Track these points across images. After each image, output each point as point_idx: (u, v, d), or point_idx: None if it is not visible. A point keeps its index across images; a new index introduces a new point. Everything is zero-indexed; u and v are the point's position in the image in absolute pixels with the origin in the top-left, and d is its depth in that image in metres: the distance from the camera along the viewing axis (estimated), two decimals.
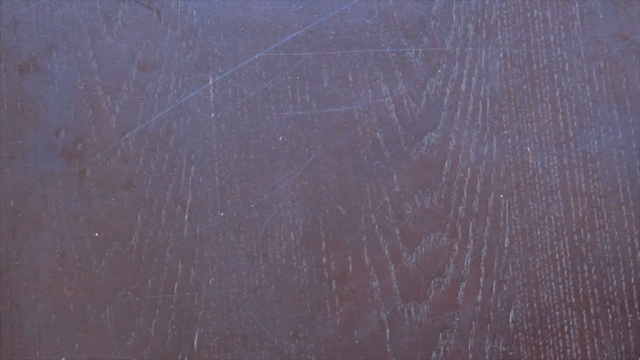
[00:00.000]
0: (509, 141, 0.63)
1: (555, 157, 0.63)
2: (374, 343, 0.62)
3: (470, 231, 0.62)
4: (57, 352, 0.61)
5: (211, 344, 0.61)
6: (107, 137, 0.62)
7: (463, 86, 0.63)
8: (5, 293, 0.61)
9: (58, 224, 0.62)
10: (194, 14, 0.63)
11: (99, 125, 0.62)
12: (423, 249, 0.62)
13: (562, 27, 0.63)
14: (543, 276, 0.62)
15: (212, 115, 0.63)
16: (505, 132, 0.63)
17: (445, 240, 0.62)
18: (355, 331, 0.62)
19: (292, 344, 0.62)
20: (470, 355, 0.62)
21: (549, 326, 0.62)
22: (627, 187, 0.62)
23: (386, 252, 0.62)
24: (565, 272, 0.62)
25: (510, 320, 0.62)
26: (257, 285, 0.62)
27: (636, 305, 0.62)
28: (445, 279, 0.62)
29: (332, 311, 0.62)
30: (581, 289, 0.62)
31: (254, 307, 0.62)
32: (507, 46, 0.63)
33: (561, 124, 0.63)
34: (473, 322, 0.62)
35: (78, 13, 0.63)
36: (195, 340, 0.61)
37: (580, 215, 0.62)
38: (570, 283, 0.62)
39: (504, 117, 0.63)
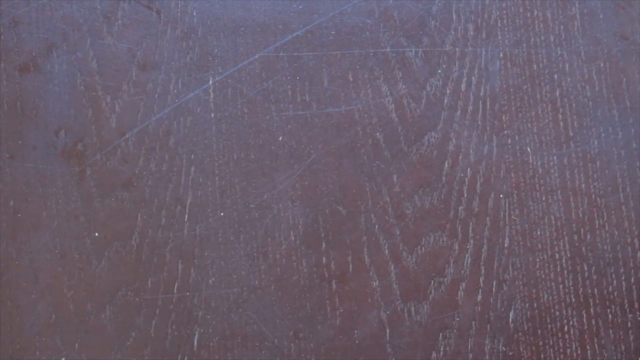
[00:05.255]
0: (509, 141, 0.63)
1: (555, 157, 0.63)
2: (374, 343, 0.62)
3: (470, 231, 0.62)
4: (57, 352, 0.61)
5: (211, 344, 0.62)
6: (107, 137, 0.62)
7: (463, 86, 0.63)
8: (5, 293, 0.61)
9: (58, 224, 0.62)
10: (194, 14, 0.63)
11: (99, 125, 0.62)
12: (423, 249, 0.62)
13: (562, 27, 0.63)
14: (543, 276, 0.62)
15: (212, 115, 0.63)
16: (505, 132, 0.63)
17: (445, 240, 0.62)
18: (355, 331, 0.62)
19: (292, 344, 0.62)
20: (470, 355, 0.62)
21: (549, 326, 0.62)
22: (627, 187, 0.62)
23: (386, 252, 0.62)
24: (565, 272, 0.62)
25: (510, 320, 0.62)
26: (257, 285, 0.62)
27: (636, 305, 0.62)
28: (445, 279, 0.62)
29: (332, 311, 0.62)
30: (581, 289, 0.62)
31: (254, 307, 0.62)
32: (507, 46, 0.63)
33: (561, 124, 0.63)
34: (473, 322, 0.62)
35: (78, 13, 0.63)
36: (195, 340, 0.61)
37: (580, 215, 0.62)
38: (570, 283, 0.62)
39: (504, 117, 0.63)
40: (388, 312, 0.62)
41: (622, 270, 0.62)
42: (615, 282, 0.62)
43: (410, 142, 0.63)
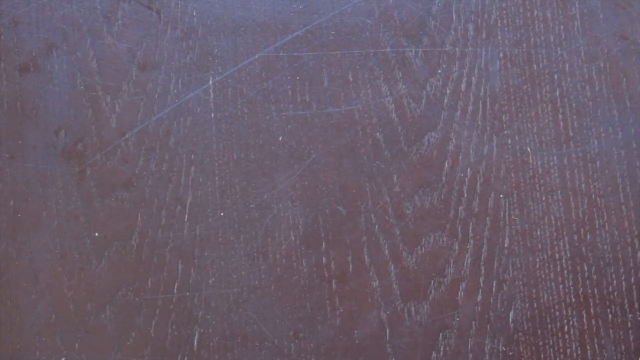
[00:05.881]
0: (509, 141, 0.63)
1: (555, 157, 0.63)
2: (374, 343, 0.62)
3: (470, 231, 0.62)
4: (57, 352, 0.61)
5: (211, 344, 0.62)
6: (107, 137, 0.62)
7: (463, 86, 0.63)
8: (5, 293, 0.61)
9: (58, 224, 0.62)
10: (194, 14, 0.63)
11: (99, 125, 0.62)
12: (423, 249, 0.62)
13: (562, 27, 0.63)
14: (543, 276, 0.62)
15: (212, 115, 0.63)
16: (505, 132, 0.63)
17: (445, 240, 0.62)
18: (355, 331, 0.62)
19: (292, 344, 0.62)
20: (470, 355, 0.62)
21: (549, 326, 0.62)
22: (627, 187, 0.62)
23: (386, 252, 0.62)
24: (565, 272, 0.62)
25: (510, 320, 0.62)
26: (257, 285, 0.62)
27: (636, 305, 0.62)
28: (445, 279, 0.62)
29: (332, 311, 0.62)
30: (581, 289, 0.62)
31: (254, 307, 0.62)
32: (507, 46, 0.63)
33: (561, 124, 0.63)
34: (473, 322, 0.62)
35: (78, 13, 0.63)
36: (195, 340, 0.61)
37: (580, 215, 0.62)
38: (570, 283, 0.62)
39: (504, 117, 0.63)
40: (388, 312, 0.62)
41: (622, 270, 0.62)
42: (615, 282, 0.62)
43: (410, 142, 0.63)
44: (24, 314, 0.61)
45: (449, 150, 0.63)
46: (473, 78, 0.63)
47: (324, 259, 0.62)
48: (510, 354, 0.62)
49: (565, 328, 0.62)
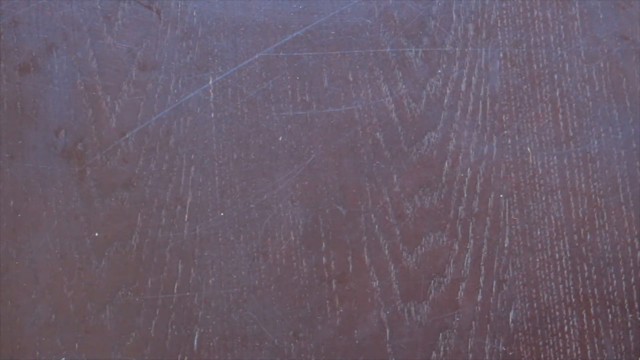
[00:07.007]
0: (509, 141, 0.63)
1: (555, 157, 0.63)
2: (374, 343, 0.62)
3: (470, 231, 0.62)
4: (57, 352, 0.61)
5: (211, 344, 0.62)
6: (107, 137, 0.62)
7: (463, 86, 0.63)
8: (5, 293, 0.61)
9: (58, 224, 0.62)
10: (194, 14, 0.63)
11: (99, 125, 0.62)
12: (423, 249, 0.62)
13: (562, 27, 0.63)
14: (543, 276, 0.62)
15: (212, 115, 0.63)
16: (505, 132, 0.63)
17: (445, 240, 0.62)
18: (355, 331, 0.62)
19: (292, 344, 0.62)
20: (470, 355, 0.62)
21: (549, 326, 0.62)
22: (627, 187, 0.62)
23: (386, 252, 0.62)
24: (565, 272, 0.62)
25: (510, 320, 0.62)
26: (257, 285, 0.62)
27: (636, 305, 0.62)
28: (445, 279, 0.62)
29: (332, 311, 0.62)
30: (581, 289, 0.62)
31: (254, 307, 0.62)
32: (507, 46, 0.63)
33: (561, 124, 0.63)
34: (473, 322, 0.62)
35: (78, 13, 0.63)
36: (195, 340, 0.61)
37: (580, 215, 0.62)
38: (570, 283, 0.62)
39: (504, 117, 0.63)
40: (388, 312, 0.62)
41: (622, 270, 0.62)
42: (615, 282, 0.62)
43: (410, 142, 0.63)
44: (24, 314, 0.61)
45: (449, 150, 0.63)
46: (473, 78, 0.63)
47: (324, 259, 0.62)
48: (510, 354, 0.62)
49: (565, 328, 0.62)
